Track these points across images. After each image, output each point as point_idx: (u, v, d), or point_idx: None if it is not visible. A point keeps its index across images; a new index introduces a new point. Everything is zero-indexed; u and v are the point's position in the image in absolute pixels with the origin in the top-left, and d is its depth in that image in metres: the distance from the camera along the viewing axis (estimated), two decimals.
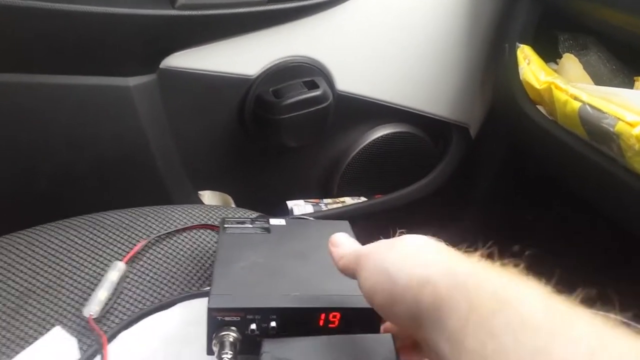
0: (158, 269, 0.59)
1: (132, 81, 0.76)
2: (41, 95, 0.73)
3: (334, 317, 0.42)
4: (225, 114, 0.89)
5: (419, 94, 1.03)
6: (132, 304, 0.55)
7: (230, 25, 0.80)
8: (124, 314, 0.54)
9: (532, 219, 1.23)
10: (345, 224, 0.57)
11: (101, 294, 0.54)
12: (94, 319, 0.52)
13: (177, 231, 0.63)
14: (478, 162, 1.17)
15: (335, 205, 1.06)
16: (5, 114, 0.73)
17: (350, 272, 0.38)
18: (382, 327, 0.43)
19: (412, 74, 1.00)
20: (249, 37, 0.83)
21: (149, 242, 0.61)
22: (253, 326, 0.41)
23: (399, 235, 0.38)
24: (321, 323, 0.42)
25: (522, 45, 0.87)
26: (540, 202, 1.21)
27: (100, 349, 0.49)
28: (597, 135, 0.70)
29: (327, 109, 0.89)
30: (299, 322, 0.42)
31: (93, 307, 0.52)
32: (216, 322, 0.41)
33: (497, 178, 1.17)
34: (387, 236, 0.39)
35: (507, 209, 1.23)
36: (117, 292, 0.55)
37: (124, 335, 0.52)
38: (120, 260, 0.58)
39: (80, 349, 0.50)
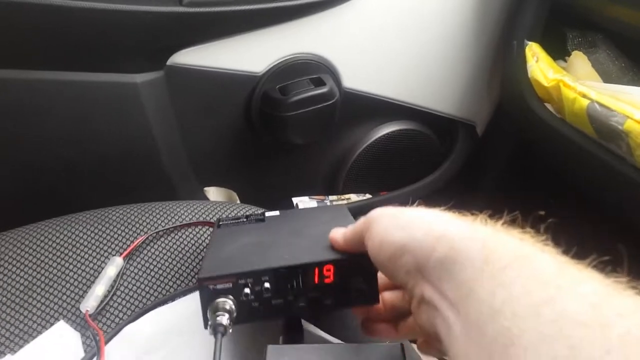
0: (157, 265, 0.59)
1: (140, 78, 0.77)
2: (48, 92, 0.73)
3: (328, 270, 0.42)
4: (232, 110, 0.89)
5: (426, 92, 1.03)
6: (130, 300, 0.55)
7: (237, 23, 0.80)
8: (120, 310, 0.54)
9: (540, 217, 1.22)
10: (343, 208, 0.56)
11: (98, 290, 0.54)
12: (90, 314, 0.52)
13: (177, 227, 0.63)
14: (484, 160, 1.16)
15: (340, 202, 1.06)
16: (13, 111, 0.74)
17: (357, 238, 0.38)
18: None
19: (418, 71, 0.99)
20: (256, 34, 0.82)
21: (149, 237, 0.61)
22: (247, 290, 0.41)
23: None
24: (316, 280, 0.42)
25: (530, 43, 0.86)
26: (549, 200, 1.20)
27: (97, 345, 0.49)
28: (605, 133, 0.70)
29: (334, 106, 0.89)
30: (293, 281, 0.41)
31: (90, 303, 0.52)
32: (209, 292, 0.41)
33: (503, 176, 1.16)
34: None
35: (514, 207, 1.22)
36: (115, 287, 0.55)
37: (129, 328, 0.52)
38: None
39: (84, 343, 0.51)
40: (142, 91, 0.77)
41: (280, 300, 0.42)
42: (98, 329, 0.50)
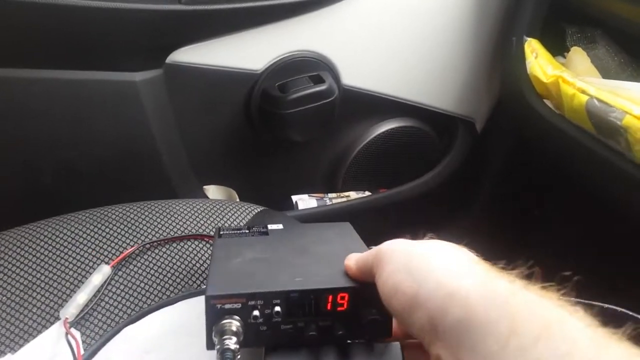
0: (146, 275, 0.58)
1: (139, 76, 0.77)
2: (47, 91, 0.73)
3: (342, 298, 0.39)
4: (231, 108, 0.89)
5: (425, 88, 1.02)
6: (112, 310, 0.54)
7: (236, 20, 0.80)
8: (99, 319, 0.53)
9: (539, 213, 1.23)
10: (347, 225, 0.55)
11: (80, 298, 0.53)
12: (70, 322, 0.51)
13: (173, 239, 0.62)
14: (484, 156, 1.17)
15: (340, 200, 1.06)
16: (11, 110, 0.74)
17: (367, 270, 0.36)
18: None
19: (417, 68, 0.99)
20: (255, 32, 0.82)
21: (139, 247, 0.60)
22: (256, 312, 0.38)
23: (428, 239, 0.35)
24: (329, 307, 0.39)
25: (529, 39, 0.86)
26: (547, 196, 1.20)
27: (74, 354, 0.48)
28: (604, 129, 0.70)
29: (333, 104, 0.89)
30: (305, 306, 0.39)
31: (69, 310, 0.51)
32: (215, 311, 0.38)
33: (503, 172, 1.16)
34: (411, 236, 0.37)
35: (513, 204, 1.22)
36: (99, 296, 0.54)
37: (129, 328, 0.52)
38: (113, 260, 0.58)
39: (84, 342, 0.51)
40: (141, 89, 0.77)
41: (289, 326, 0.40)
42: (76, 338, 0.49)
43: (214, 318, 0.38)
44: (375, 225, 1.06)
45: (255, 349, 0.41)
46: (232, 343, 0.37)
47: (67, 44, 0.71)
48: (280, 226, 0.55)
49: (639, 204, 0.75)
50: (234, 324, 0.38)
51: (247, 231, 0.54)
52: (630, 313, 0.41)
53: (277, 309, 0.39)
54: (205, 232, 0.63)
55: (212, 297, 0.38)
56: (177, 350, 0.50)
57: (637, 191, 0.71)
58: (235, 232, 0.54)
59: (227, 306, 0.38)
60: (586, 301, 0.41)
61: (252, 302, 0.39)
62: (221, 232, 0.53)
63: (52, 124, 0.76)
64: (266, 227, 0.55)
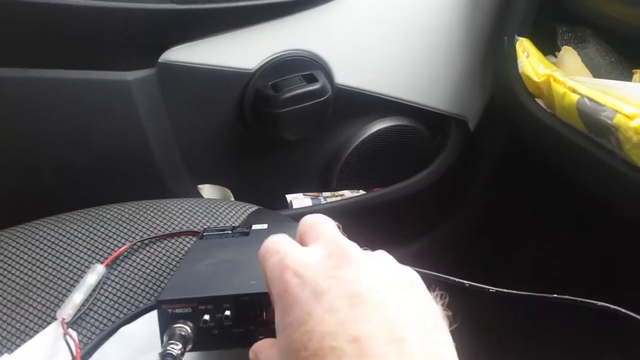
0: (140, 274, 0.58)
1: (131, 75, 0.77)
2: (39, 90, 0.73)
3: None
4: (225, 107, 0.89)
5: (418, 87, 1.03)
6: (108, 310, 0.54)
7: (229, 19, 0.80)
8: (95, 319, 0.53)
9: (532, 211, 1.24)
10: None
11: (76, 298, 0.52)
12: (67, 322, 0.51)
13: (165, 236, 0.62)
14: (477, 155, 1.17)
15: (334, 199, 1.06)
16: (2, 108, 0.73)
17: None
18: None
19: (410, 67, 1.00)
20: (248, 30, 0.83)
21: (133, 245, 0.60)
22: (206, 317, 0.38)
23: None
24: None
25: (520, 38, 0.87)
26: (540, 194, 1.21)
27: (72, 354, 0.48)
28: (595, 128, 0.70)
29: (326, 103, 0.89)
30: (257, 309, 0.39)
31: (66, 311, 0.51)
32: (167, 315, 0.39)
33: (496, 171, 1.17)
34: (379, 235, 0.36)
35: (506, 202, 1.23)
36: (95, 295, 0.54)
37: (125, 328, 0.52)
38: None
39: (81, 341, 0.51)
40: (133, 89, 0.77)
41: (241, 330, 0.39)
42: (74, 338, 0.49)
43: (166, 322, 0.39)
44: (369, 224, 1.07)
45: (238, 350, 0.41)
46: (175, 348, 0.37)
47: (59, 43, 0.71)
48: (264, 226, 0.55)
49: (629, 201, 0.76)
50: (184, 329, 0.38)
51: (229, 232, 0.54)
52: (623, 310, 0.41)
53: (227, 313, 0.39)
54: (199, 230, 0.63)
55: (162, 302, 0.39)
56: None
57: (627, 189, 0.72)
58: (218, 233, 0.54)
59: (178, 311, 0.38)
60: (577, 299, 0.42)
61: (203, 307, 0.39)
62: (204, 234, 0.54)
63: (44, 124, 0.76)
64: (250, 228, 0.55)
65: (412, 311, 0.29)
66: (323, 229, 0.35)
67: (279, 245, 0.34)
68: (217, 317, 0.39)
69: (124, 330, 0.52)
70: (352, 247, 0.32)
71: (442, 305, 0.31)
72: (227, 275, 0.43)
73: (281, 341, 0.30)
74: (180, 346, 0.37)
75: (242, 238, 0.53)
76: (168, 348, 0.36)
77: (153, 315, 0.54)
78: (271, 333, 0.36)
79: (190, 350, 0.39)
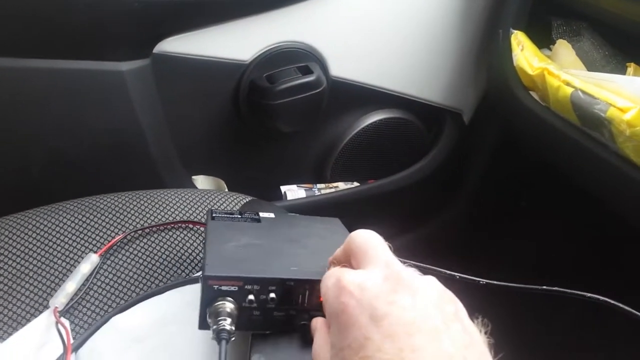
0: (135, 264, 0.58)
1: (125, 66, 0.76)
2: (32, 80, 0.73)
3: None
4: (219, 99, 0.89)
5: (413, 80, 1.03)
6: (101, 299, 0.54)
7: (224, 10, 0.80)
8: (88, 308, 0.53)
9: (525, 204, 1.24)
10: (337, 221, 0.55)
11: (69, 287, 0.53)
12: (60, 311, 0.51)
13: (159, 226, 0.62)
14: (471, 147, 1.17)
15: (328, 190, 1.06)
16: None
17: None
18: None
19: (405, 59, 1.00)
20: (243, 22, 0.82)
21: (127, 235, 0.60)
22: (251, 297, 0.39)
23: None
24: (321, 298, 0.40)
25: (515, 31, 0.87)
26: (534, 188, 1.22)
27: (64, 342, 0.48)
28: (588, 121, 0.71)
29: (321, 95, 0.89)
30: (299, 295, 0.40)
31: (59, 300, 0.52)
32: (212, 292, 0.38)
33: (490, 164, 1.17)
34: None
35: (500, 195, 1.23)
36: (87, 284, 0.55)
37: (118, 318, 0.52)
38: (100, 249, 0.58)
39: (73, 330, 0.51)
40: (128, 79, 0.77)
41: (282, 314, 0.40)
42: (65, 326, 0.49)
43: (209, 299, 0.39)
44: (363, 216, 1.07)
45: (242, 336, 0.42)
46: (227, 324, 0.37)
47: (52, 32, 0.71)
48: (271, 215, 0.56)
49: (622, 194, 0.76)
50: (229, 305, 0.38)
51: (239, 216, 0.54)
52: (613, 302, 0.42)
53: (272, 295, 0.39)
54: (187, 235, 0.63)
55: (209, 278, 0.38)
56: (167, 339, 0.50)
57: (620, 182, 0.72)
58: (228, 216, 0.54)
59: (224, 288, 0.39)
60: (567, 290, 0.42)
61: (249, 287, 0.39)
62: (214, 215, 0.53)
63: (38, 114, 0.75)
64: (258, 215, 0.55)
65: (461, 343, 0.29)
66: (377, 250, 0.35)
67: (336, 269, 0.34)
68: (262, 298, 0.39)
69: (117, 319, 0.52)
70: (406, 271, 0.33)
71: (485, 333, 0.32)
72: (265, 259, 0.43)
73: None
74: (230, 321, 0.37)
75: (255, 224, 0.53)
76: (221, 324, 0.37)
77: (147, 304, 0.54)
78: (309, 320, 0.39)
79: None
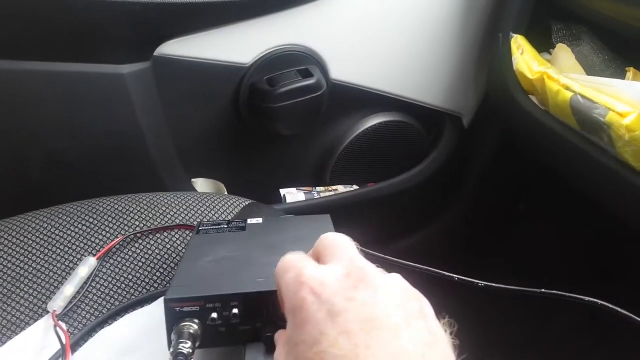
0: (133, 267, 0.58)
1: (126, 69, 0.76)
2: (33, 83, 0.73)
3: None
4: (220, 102, 0.89)
5: (413, 83, 1.03)
6: (101, 302, 0.54)
7: (224, 13, 0.80)
8: (87, 312, 0.53)
9: (524, 207, 1.24)
10: (326, 218, 0.55)
11: (67, 290, 0.53)
12: (58, 314, 0.51)
13: (157, 230, 0.62)
14: (471, 151, 1.18)
15: (328, 194, 1.06)
16: None
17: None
18: None
19: (405, 63, 1.00)
20: (244, 25, 0.82)
21: (126, 239, 0.60)
22: (214, 315, 0.39)
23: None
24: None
25: (515, 35, 0.87)
26: (533, 191, 1.22)
27: (63, 346, 0.48)
28: (588, 126, 0.71)
29: (321, 98, 0.89)
30: (263, 308, 0.40)
31: (57, 303, 0.51)
32: (174, 314, 0.39)
33: (489, 167, 1.17)
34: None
35: (499, 199, 1.23)
36: (86, 288, 0.55)
37: (103, 328, 0.52)
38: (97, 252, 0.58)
39: (72, 334, 0.51)
40: (128, 82, 0.77)
41: (248, 327, 0.40)
42: (64, 330, 0.49)
43: (173, 320, 0.39)
44: (362, 219, 1.07)
45: (235, 347, 0.42)
46: (186, 347, 0.37)
47: (52, 35, 0.71)
48: (259, 220, 0.55)
49: (621, 198, 0.76)
50: (192, 327, 0.39)
51: (225, 226, 0.54)
52: (611, 306, 0.42)
53: (235, 311, 0.39)
54: (184, 238, 0.63)
55: (170, 301, 0.39)
56: (154, 351, 0.49)
57: (619, 186, 0.72)
58: (214, 227, 0.54)
59: (186, 309, 0.39)
60: (565, 294, 0.42)
61: (210, 305, 0.39)
62: (200, 228, 0.54)
63: (38, 117, 0.76)
64: (245, 222, 0.55)
65: (422, 342, 0.29)
66: (342, 248, 0.35)
67: (296, 262, 0.34)
68: (225, 315, 0.39)
69: (103, 330, 0.52)
70: (370, 268, 0.32)
71: (451, 334, 0.31)
72: (232, 273, 0.43)
73: (291, 357, 0.30)
74: (190, 344, 0.37)
75: (239, 233, 0.53)
76: (179, 347, 0.37)
77: (135, 316, 0.53)
78: (276, 330, 0.37)
79: (198, 348, 0.39)
